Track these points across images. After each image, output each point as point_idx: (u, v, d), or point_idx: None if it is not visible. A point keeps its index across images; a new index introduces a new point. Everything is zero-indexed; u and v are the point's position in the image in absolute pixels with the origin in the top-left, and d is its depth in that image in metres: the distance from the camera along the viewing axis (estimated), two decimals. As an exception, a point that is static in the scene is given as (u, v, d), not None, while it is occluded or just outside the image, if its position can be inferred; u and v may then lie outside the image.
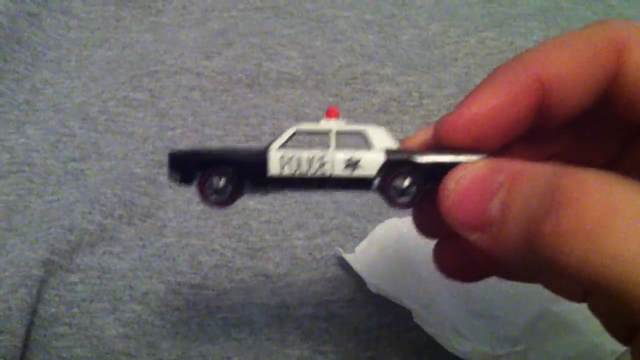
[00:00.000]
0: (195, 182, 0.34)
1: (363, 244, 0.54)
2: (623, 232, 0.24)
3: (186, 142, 0.64)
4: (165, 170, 0.61)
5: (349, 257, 0.53)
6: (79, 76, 0.72)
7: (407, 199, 0.34)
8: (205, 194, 0.34)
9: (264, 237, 0.57)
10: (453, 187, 0.31)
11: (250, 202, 0.59)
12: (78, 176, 0.62)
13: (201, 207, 0.59)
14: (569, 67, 0.32)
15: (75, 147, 0.65)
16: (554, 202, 0.26)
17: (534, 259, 0.27)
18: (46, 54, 0.74)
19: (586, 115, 0.33)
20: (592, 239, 0.24)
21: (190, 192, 0.60)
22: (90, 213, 0.57)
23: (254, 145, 0.37)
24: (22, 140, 0.65)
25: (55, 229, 0.55)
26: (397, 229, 0.54)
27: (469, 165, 0.31)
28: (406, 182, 0.33)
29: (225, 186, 0.34)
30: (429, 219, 0.38)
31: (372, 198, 0.61)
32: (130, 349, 0.51)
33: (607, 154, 0.37)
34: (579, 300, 0.39)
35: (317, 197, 0.60)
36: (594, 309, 0.38)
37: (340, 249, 0.54)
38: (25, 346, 0.50)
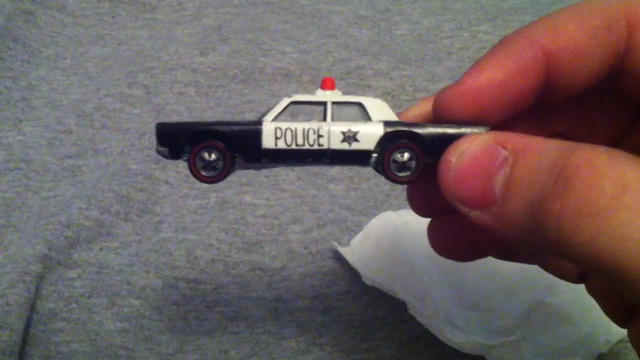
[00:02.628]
0: (185, 157, 0.33)
1: (358, 238, 0.54)
2: (632, 212, 0.24)
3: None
4: (161, 165, 0.61)
5: (344, 251, 0.54)
6: (74, 73, 0.72)
7: (406, 174, 0.32)
8: (195, 169, 0.33)
9: (260, 231, 0.57)
10: (455, 161, 0.30)
11: (247, 197, 0.59)
12: (75, 172, 0.62)
13: (197, 202, 0.59)
14: (578, 39, 0.30)
15: (72, 143, 0.65)
16: (562, 180, 0.25)
17: (538, 239, 0.26)
18: (42, 51, 0.74)
19: (592, 92, 0.32)
20: (601, 218, 0.24)
21: (187, 188, 0.60)
22: (87, 209, 0.57)
23: (245, 119, 0.36)
24: (18, 137, 0.65)
25: (52, 225, 0.56)
26: (392, 222, 0.54)
27: (472, 138, 0.30)
28: (405, 156, 0.32)
29: (216, 161, 0.32)
30: (424, 195, 0.36)
31: (367, 192, 0.61)
32: (128, 343, 0.51)
33: (613, 132, 0.35)
34: (575, 281, 0.38)
35: (313, 191, 0.60)
36: (591, 290, 0.37)
37: (335, 243, 0.55)
38: (24, 341, 0.50)
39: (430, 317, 0.48)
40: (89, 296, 0.53)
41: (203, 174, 0.33)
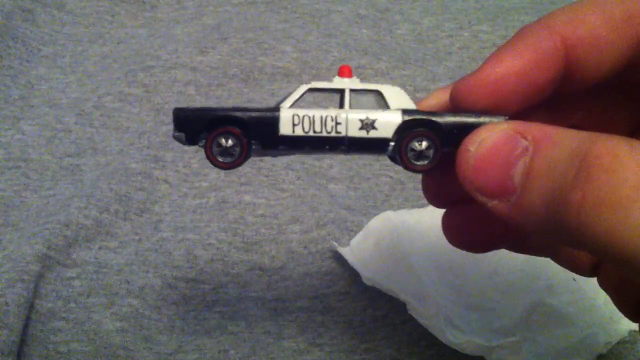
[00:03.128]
0: (202, 143, 0.33)
1: (358, 238, 0.54)
2: None
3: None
4: (160, 165, 0.61)
5: (343, 251, 0.54)
6: (74, 72, 0.72)
7: (423, 163, 0.32)
8: (212, 155, 0.32)
9: (259, 231, 0.57)
10: (474, 149, 0.29)
11: (246, 197, 0.59)
12: (74, 171, 0.62)
13: (197, 201, 0.59)
14: (598, 31, 0.30)
15: (71, 142, 0.65)
16: (584, 170, 0.25)
17: (557, 229, 0.26)
18: (41, 49, 0.74)
19: (609, 84, 0.32)
20: (622, 209, 0.24)
21: (186, 187, 0.60)
22: (86, 208, 0.57)
23: (263, 105, 0.35)
24: (17, 136, 0.65)
25: (51, 224, 0.55)
26: (392, 222, 0.54)
27: (492, 127, 0.30)
28: (424, 145, 0.32)
29: (233, 147, 0.32)
30: (439, 185, 0.36)
31: (367, 191, 0.61)
32: (127, 343, 0.51)
33: (628, 125, 0.35)
34: (588, 274, 0.38)
35: (313, 191, 0.60)
36: (604, 283, 0.37)
37: (335, 243, 0.55)
38: (23, 341, 0.50)
39: (430, 317, 0.48)
40: (88, 295, 0.53)
41: (220, 159, 0.33)
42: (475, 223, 0.36)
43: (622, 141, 0.25)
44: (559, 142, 0.27)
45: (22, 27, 0.74)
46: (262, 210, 0.59)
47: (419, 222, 0.53)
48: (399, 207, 0.56)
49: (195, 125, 0.33)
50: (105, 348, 0.50)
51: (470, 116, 0.31)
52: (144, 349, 0.51)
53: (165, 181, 0.61)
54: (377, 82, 0.69)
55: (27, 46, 0.73)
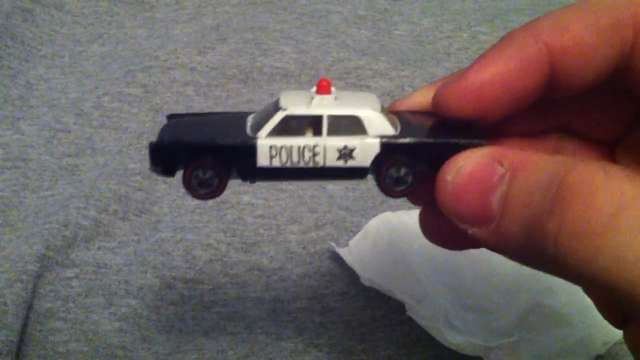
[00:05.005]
0: (179, 174, 0.32)
1: (356, 238, 0.54)
2: (629, 233, 0.23)
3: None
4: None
5: (342, 251, 0.54)
6: (72, 72, 0.72)
7: (402, 188, 0.32)
8: (190, 186, 0.32)
9: (258, 231, 0.57)
10: (451, 178, 0.29)
11: (245, 197, 0.59)
12: (73, 171, 0.62)
13: (196, 202, 0.59)
14: (583, 38, 0.29)
15: (70, 142, 0.65)
16: (559, 199, 0.25)
17: (536, 256, 0.26)
18: (40, 49, 0.74)
19: (596, 89, 0.31)
20: (598, 238, 0.24)
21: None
22: (85, 208, 0.57)
23: (240, 113, 0.34)
24: (16, 136, 0.65)
25: (50, 224, 0.55)
26: (390, 223, 0.54)
27: (468, 154, 0.29)
28: (402, 171, 0.32)
29: (211, 178, 0.32)
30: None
31: (366, 192, 0.61)
32: (125, 343, 0.51)
33: (615, 130, 0.35)
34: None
35: (311, 192, 0.60)
36: (588, 292, 0.37)
37: (333, 243, 0.55)
38: (21, 341, 0.50)
39: (429, 318, 0.48)
40: (87, 296, 0.53)
41: (199, 191, 0.32)
42: (450, 223, 0.35)
43: (598, 168, 0.25)
44: (535, 169, 0.27)
45: (21, 27, 0.74)
46: (260, 211, 0.59)
47: (417, 223, 0.53)
48: (397, 208, 0.56)
49: (171, 160, 0.32)
50: (103, 348, 0.50)
51: (447, 137, 0.31)
52: (142, 349, 0.51)
53: (164, 182, 0.61)
54: (375, 82, 0.69)
55: (26, 46, 0.74)
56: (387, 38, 0.77)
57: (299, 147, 0.31)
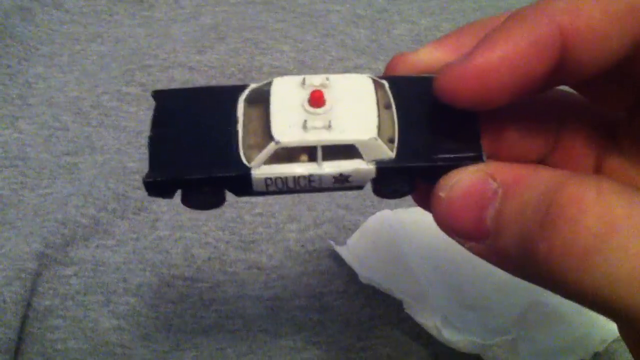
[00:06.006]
0: (177, 195, 0.32)
1: (355, 236, 0.54)
2: (620, 251, 0.23)
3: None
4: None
5: (340, 250, 0.54)
6: (71, 71, 0.72)
7: (398, 194, 0.32)
8: (189, 205, 0.32)
9: (257, 230, 0.57)
10: (445, 195, 0.29)
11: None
12: (71, 170, 0.62)
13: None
14: (598, 22, 0.27)
15: (69, 141, 0.65)
16: (550, 219, 0.24)
17: (531, 273, 0.26)
18: (39, 48, 0.74)
19: (605, 76, 0.30)
20: (587, 259, 0.23)
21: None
22: (83, 206, 0.57)
23: (236, 86, 0.33)
24: (15, 134, 0.65)
25: (49, 223, 0.56)
26: (389, 221, 0.54)
27: (462, 171, 0.29)
28: (398, 185, 0.31)
29: (208, 199, 0.32)
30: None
31: (365, 191, 0.61)
32: (124, 341, 0.51)
33: (617, 112, 0.33)
34: None
35: (310, 190, 0.60)
36: None
37: (332, 242, 0.55)
38: (20, 339, 0.50)
39: (427, 316, 0.48)
40: (85, 294, 0.53)
41: (199, 207, 0.33)
42: None
43: (590, 185, 0.24)
44: (527, 186, 0.26)
45: (20, 26, 0.74)
46: (259, 209, 0.59)
47: (416, 221, 0.53)
48: (396, 206, 0.56)
49: (167, 190, 0.32)
50: (102, 346, 0.50)
51: (448, 153, 0.30)
52: (141, 347, 0.51)
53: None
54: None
55: (25, 45, 0.74)
56: (386, 37, 0.77)
57: (294, 178, 0.31)
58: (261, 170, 0.31)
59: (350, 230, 0.57)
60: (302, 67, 0.71)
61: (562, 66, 0.29)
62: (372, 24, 0.78)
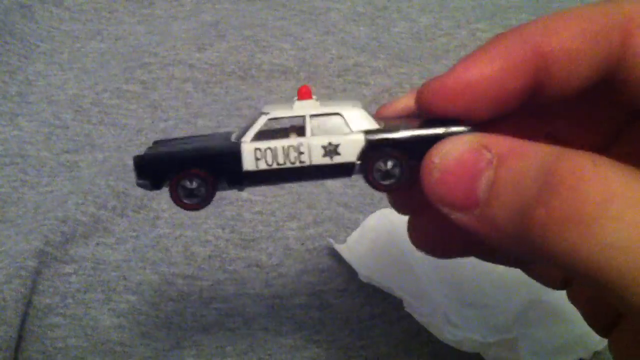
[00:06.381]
0: (166, 186, 0.32)
1: (354, 235, 0.54)
2: (617, 220, 0.23)
3: (179, 134, 0.64)
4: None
5: (340, 248, 0.54)
6: (71, 68, 0.72)
7: (391, 181, 0.32)
8: (178, 198, 0.32)
9: (256, 228, 0.57)
10: (438, 162, 0.29)
11: (243, 194, 0.59)
12: (71, 168, 0.62)
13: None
14: (571, 42, 0.29)
15: (69, 139, 0.65)
16: (548, 187, 0.25)
17: (522, 244, 0.26)
18: (39, 46, 0.74)
19: (583, 96, 0.31)
20: (585, 226, 0.24)
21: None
22: (83, 204, 0.57)
23: (224, 132, 0.35)
24: (15, 132, 0.65)
25: (49, 221, 0.55)
26: (389, 219, 0.54)
27: (457, 139, 0.29)
28: (389, 164, 0.31)
29: (198, 188, 0.32)
30: (404, 193, 0.36)
31: (363, 189, 0.61)
32: (124, 339, 0.51)
33: (602, 138, 0.34)
34: (559, 287, 0.38)
35: (310, 189, 0.60)
36: (573, 298, 0.37)
37: (332, 240, 0.55)
38: (20, 337, 0.50)
39: (427, 314, 0.48)
40: (85, 292, 0.53)
41: (186, 202, 0.32)
42: (437, 231, 0.35)
43: (587, 158, 0.25)
44: (523, 156, 0.27)
45: (20, 24, 0.74)
46: (259, 207, 0.59)
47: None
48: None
49: (157, 172, 0.32)
50: (102, 344, 0.50)
51: (433, 129, 0.31)
52: (141, 345, 0.51)
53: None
54: (374, 79, 0.69)
55: (25, 42, 0.73)
56: (385, 35, 0.77)
57: (283, 148, 0.31)
58: (251, 144, 0.31)
59: (350, 228, 0.57)
60: (302, 65, 0.71)
61: (541, 84, 0.30)
62: (372, 22, 0.78)
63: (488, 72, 0.30)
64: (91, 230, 0.56)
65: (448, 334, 0.47)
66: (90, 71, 0.71)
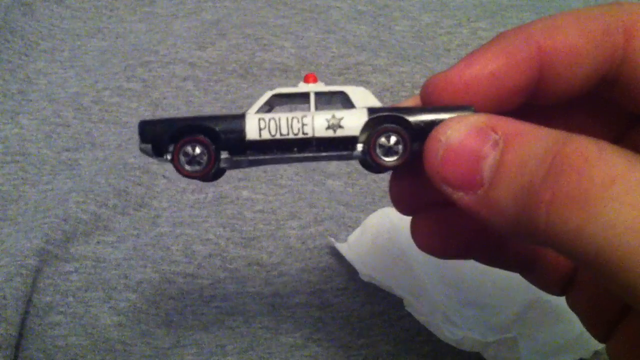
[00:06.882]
0: (169, 154, 0.32)
1: (355, 234, 0.54)
2: (620, 202, 0.24)
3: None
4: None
5: (341, 247, 0.54)
6: (72, 66, 0.72)
7: (393, 159, 0.32)
8: (179, 164, 0.32)
9: (257, 226, 0.57)
10: (444, 140, 0.29)
11: (244, 192, 0.59)
12: (72, 166, 0.62)
13: (195, 196, 0.59)
14: (574, 41, 0.30)
15: (69, 137, 0.65)
16: (555, 169, 0.25)
17: (525, 225, 0.26)
18: (40, 44, 0.74)
19: (585, 99, 0.32)
20: (590, 207, 0.24)
21: (185, 182, 0.60)
22: (84, 202, 0.57)
23: (230, 112, 0.35)
24: (16, 130, 0.65)
25: (49, 219, 0.56)
26: (389, 218, 0.54)
27: (463, 119, 0.29)
28: (392, 140, 0.31)
29: (200, 155, 0.32)
30: (406, 191, 0.36)
31: (365, 188, 0.61)
32: (124, 337, 0.51)
33: (604, 140, 0.35)
34: (557, 292, 0.38)
35: (311, 187, 0.60)
36: (572, 304, 0.37)
37: (333, 239, 0.55)
38: (21, 335, 0.50)
39: (427, 313, 0.48)
40: (86, 290, 0.53)
41: (187, 168, 0.32)
42: (442, 229, 0.36)
43: (592, 142, 0.25)
44: (530, 139, 0.27)
45: (21, 22, 0.74)
46: (260, 206, 0.59)
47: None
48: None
49: (161, 136, 0.32)
50: (103, 342, 0.50)
51: (438, 111, 0.31)
52: (141, 343, 0.51)
53: (164, 176, 0.61)
54: (375, 78, 0.69)
55: (26, 40, 0.73)
56: (387, 34, 0.77)
57: (287, 119, 0.31)
58: (255, 115, 0.32)
59: (351, 227, 0.57)
60: (303, 63, 0.71)
61: (543, 83, 0.31)
62: (373, 20, 0.78)
63: (491, 69, 0.30)
64: (92, 228, 0.56)
65: (448, 333, 0.47)
66: (91, 69, 0.71)
